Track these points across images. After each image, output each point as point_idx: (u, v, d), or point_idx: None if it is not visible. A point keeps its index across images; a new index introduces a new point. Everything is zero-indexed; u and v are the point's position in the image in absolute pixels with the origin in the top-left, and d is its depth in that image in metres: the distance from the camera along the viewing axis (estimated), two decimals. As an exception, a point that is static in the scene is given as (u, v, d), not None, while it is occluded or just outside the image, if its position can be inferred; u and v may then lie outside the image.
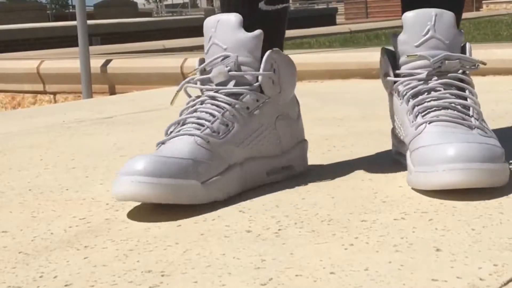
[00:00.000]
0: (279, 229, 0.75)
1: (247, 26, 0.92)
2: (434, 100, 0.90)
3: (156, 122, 1.71)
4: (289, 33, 5.92)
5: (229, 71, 0.91)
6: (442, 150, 0.81)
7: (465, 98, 0.90)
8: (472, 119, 0.87)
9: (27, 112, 2.33)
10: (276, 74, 0.93)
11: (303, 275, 0.62)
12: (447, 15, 0.93)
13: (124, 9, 14.54)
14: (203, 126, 0.88)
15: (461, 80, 0.92)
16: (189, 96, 0.94)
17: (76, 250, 0.73)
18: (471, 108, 0.89)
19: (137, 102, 2.23)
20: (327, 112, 1.69)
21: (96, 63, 3.28)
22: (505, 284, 0.58)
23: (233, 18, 0.92)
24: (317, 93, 2.14)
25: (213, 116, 0.89)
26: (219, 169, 0.86)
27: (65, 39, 6.50)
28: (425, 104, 0.90)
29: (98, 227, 0.81)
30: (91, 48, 3.57)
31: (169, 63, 3.08)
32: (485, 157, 0.80)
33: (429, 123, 0.88)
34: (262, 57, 0.92)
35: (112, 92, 3.24)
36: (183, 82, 0.93)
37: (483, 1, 16.49)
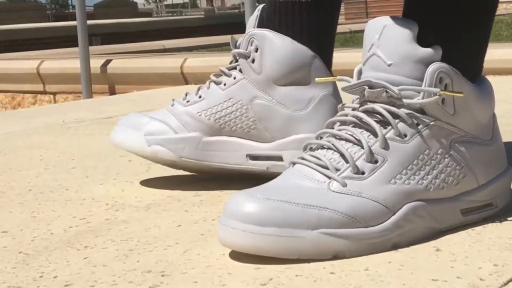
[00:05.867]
0: (279, 229, 0.75)
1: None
2: (327, 135, 0.73)
3: (156, 122, 1.70)
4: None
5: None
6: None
7: (353, 140, 0.71)
8: (337, 170, 0.68)
9: (27, 112, 2.32)
10: (259, 53, 0.92)
11: (303, 275, 0.62)
12: (400, 26, 0.71)
13: (124, 9, 14.56)
14: None
15: (388, 112, 0.71)
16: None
17: (76, 250, 0.73)
18: (350, 153, 0.70)
19: (137, 102, 2.23)
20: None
21: (96, 63, 3.28)
22: (505, 284, 0.58)
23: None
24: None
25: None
26: None
27: (66, 39, 6.50)
28: (315, 140, 0.74)
29: (98, 227, 0.81)
30: (91, 48, 3.57)
31: (169, 63, 3.08)
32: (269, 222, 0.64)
33: (293, 165, 0.72)
34: None
35: (112, 92, 3.24)
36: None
37: (483, 1, 16.46)
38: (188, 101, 0.95)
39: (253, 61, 0.92)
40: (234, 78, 0.93)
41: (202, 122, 0.93)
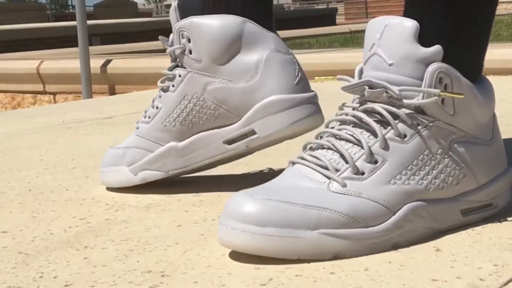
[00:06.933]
0: (279, 229, 0.75)
1: None
2: (327, 135, 0.74)
3: (156, 122, 1.70)
4: (289, 33, 5.94)
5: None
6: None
7: (353, 140, 0.71)
8: (336, 170, 0.69)
9: (27, 112, 2.33)
10: (193, 42, 0.90)
11: (303, 275, 0.62)
12: (401, 26, 0.71)
13: (124, 9, 14.58)
14: None
15: (386, 112, 0.71)
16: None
17: (76, 250, 0.73)
18: (350, 153, 0.70)
19: (137, 102, 2.23)
20: (328, 112, 1.68)
21: (96, 63, 3.28)
22: (505, 284, 0.58)
23: None
24: (317, 93, 2.13)
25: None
26: None
27: (65, 39, 6.50)
28: (315, 140, 0.74)
29: (98, 227, 0.81)
30: (91, 48, 3.57)
31: (169, 63, 3.08)
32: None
33: (293, 165, 0.73)
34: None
35: (112, 92, 3.25)
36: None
37: (483, 1, 16.45)
38: (149, 117, 0.95)
39: (190, 52, 0.91)
40: (180, 76, 0.92)
41: (170, 131, 0.92)
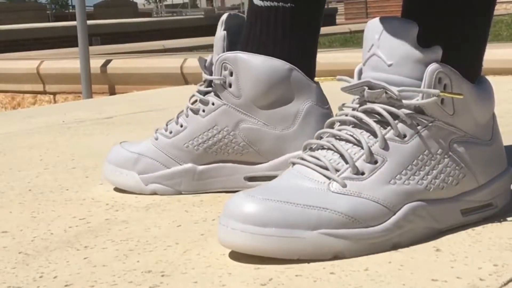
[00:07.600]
0: (279, 229, 0.75)
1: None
2: (327, 135, 0.74)
3: (155, 123, 1.70)
4: (289, 33, 5.93)
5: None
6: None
7: (353, 140, 0.71)
8: (336, 170, 0.69)
9: (27, 112, 2.32)
10: (235, 77, 0.89)
11: (303, 275, 0.62)
12: (400, 27, 0.71)
13: (124, 9, 14.57)
14: None
15: (388, 113, 0.71)
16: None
17: (76, 250, 0.73)
18: (350, 154, 0.70)
19: (137, 102, 2.23)
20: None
21: (96, 63, 3.28)
22: (505, 284, 0.58)
23: None
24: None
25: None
26: None
27: (65, 39, 6.51)
28: (315, 140, 0.74)
29: (98, 227, 0.81)
30: (91, 48, 3.57)
31: (169, 63, 3.08)
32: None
33: (293, 165, 0.73)
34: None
35: (112, 92, 3.25)
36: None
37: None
38: (171, 132, 0.93)
39: (229, 85, 0.90)
40: (213, 104, 0.91)
41: (191, 153, 0.92)
